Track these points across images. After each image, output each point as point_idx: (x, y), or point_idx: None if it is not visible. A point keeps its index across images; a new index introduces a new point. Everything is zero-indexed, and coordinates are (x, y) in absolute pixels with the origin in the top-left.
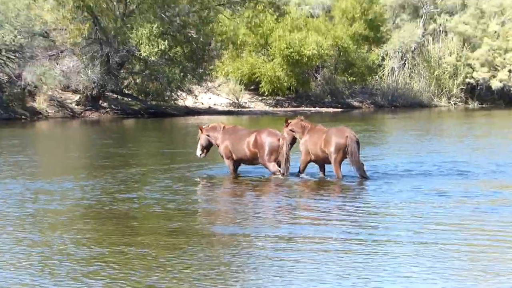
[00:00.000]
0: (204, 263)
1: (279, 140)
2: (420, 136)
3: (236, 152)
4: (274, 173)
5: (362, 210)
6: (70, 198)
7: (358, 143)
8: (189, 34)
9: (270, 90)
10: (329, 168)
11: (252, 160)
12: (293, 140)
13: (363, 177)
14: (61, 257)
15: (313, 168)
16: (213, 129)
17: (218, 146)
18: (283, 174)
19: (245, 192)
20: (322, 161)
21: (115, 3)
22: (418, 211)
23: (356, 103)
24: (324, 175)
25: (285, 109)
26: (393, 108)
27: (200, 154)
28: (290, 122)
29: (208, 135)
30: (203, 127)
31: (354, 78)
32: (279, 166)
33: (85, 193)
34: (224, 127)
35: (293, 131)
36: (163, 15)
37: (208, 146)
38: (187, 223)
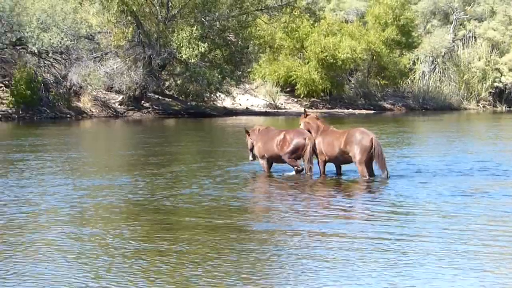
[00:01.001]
0: (241, 259)
1: (305, 139)
2: (452, 137)
3: (267, 151)
4: (296, 172)
5: (396, 207)
6: (119, 194)
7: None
8: (228, 38)
9: (306, 92)
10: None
11: (280, 158)
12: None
13: (387, 177)
14: (103, 251)
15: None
16: (253, 132)
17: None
18: (301, 171)
19: (283, 189)
20: (339, 162)
21: (157, 7)
22: (451, 210)
23: (388, 106)
24: (340, 174)
25: (320, 110)
26: (423, 110)
27: (250, 158)
28: (309, 115)
29: (251, 138)
30: (249, 130)
31: (386, 81)
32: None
33: (134, 189)
34: (259, 129)
35: (309, 125)
36: (203, 19)
37: (253, 149)
38: (228, 220)
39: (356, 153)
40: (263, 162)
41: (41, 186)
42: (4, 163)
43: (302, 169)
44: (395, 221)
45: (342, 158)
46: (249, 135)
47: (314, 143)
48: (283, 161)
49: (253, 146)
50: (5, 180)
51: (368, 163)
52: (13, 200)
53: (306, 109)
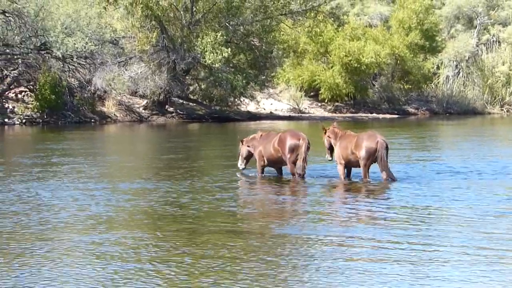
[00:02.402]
0: (260, 263)
1: (299, 140)
2: (479, 141)
3: (265, 154)
4: (292, 174)
5: (421, 211)
6: (150, 198)
7: (387, 148)
8: (252, 42)
9: (330, 97)
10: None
11: (278, 160)
12: (331, 146)
13: (392, 179)
14: (126, 256)
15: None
16: (252, 139)
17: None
18: (299, 175)
19: (305, 193)
20: (353, 165)
21: (182, 12)
22: (478, 213)
23: (412, 110)
24: (349, 178)
25: (344, 114)
26: (447, 114)
27: (241, 165)
28: (328, 129)
29: (248, 146)
30: (244, 139)
31: (410, 86)
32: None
33: (164, 193)
34: (261, 135)
35: (330, 137)
36: (227, 24)
37: (248, 157)
38: (251, 224)
39: (362, 156)
40: (259, 167)
41: (79, 189)
42: (42, 167)
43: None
44: (417, 225)
45: (355, 161)
46: (243, 143)
47: (309, 143)
48: (282, 164)
49: (248, 154)
50: (46, 183)
51: (370, 165)
52: (52, 203)
53: (324, 126)
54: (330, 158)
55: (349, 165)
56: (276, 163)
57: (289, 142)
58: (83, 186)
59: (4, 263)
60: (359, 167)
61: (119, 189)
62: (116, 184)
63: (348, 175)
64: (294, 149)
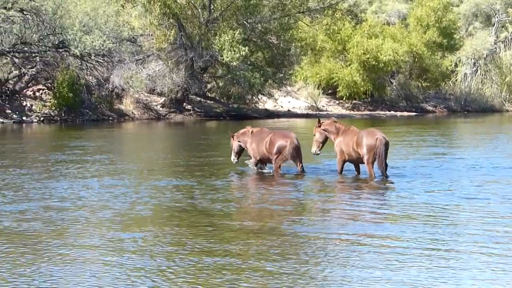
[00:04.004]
0: (279, 262)
1: (286, 141)
2: (502, 138)
3: (259, 152)
4: (276, 171)
5: (441, 208)
6: (171, 195)
7: (387, 145)
8: (270, 40)
9: (347, 94)
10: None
11: (270, 158)
12: (325, 139)
13: (385, 176)
14: (155, 251)
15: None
16: (243, 134)
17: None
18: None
19: (325, 191)
20: (355, 161)
21: (199, 10)
22: (495, 210)
23: (430, 108)
24: (359, 173)
25: (362, 112)
26: (465, 112)
27: (234, 159)
28: (323, 122)
29: (239, 141)
30: (234, 134)
31: (428, 83)
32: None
33: (186, 191)
34: (252, 131)
35: (326, 131)
36: (245, 22)
37: (240, 152)
38: (269, 223)
39: (364, 153)
40: (254, 161)
41: (103, 188)
42: (64, 164)
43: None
44: (439, 222)
45: (356, 158)
46: (233, 138)
47: (298, 143)
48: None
49: (239, 148)
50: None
51: (374, 162)
52: (78, 201)
53: (320, 118)
54: (319, 153)
55: (351, 161)
56: (269, 160)
57: (278, 143)
58: (123, 183)
59: (36, 258)
60: (361, 163)
61: (139, 187)
62: (139, 182)
63: (357, 170)
64: (281, 150)
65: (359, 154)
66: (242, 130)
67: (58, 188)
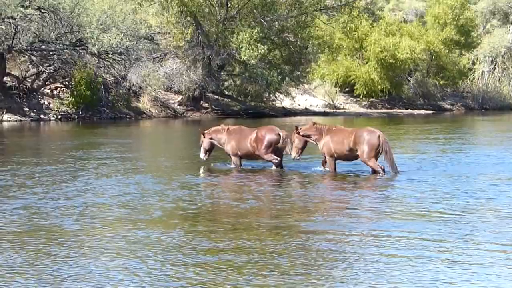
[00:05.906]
0: (294, 259)
1: (278, 135)
2: None
3: (240, 149)
4: (271, 161)
5: (458, 205)
6: (190, 193)
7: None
8: (287, 38)
9: (365, 92)
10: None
11: (254, 154)
12: (304, 144)
13: (396, 172)
14: (173, 250)
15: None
16: (216, 132)
17: (223, 146)
18: (279, 164)
19: (336, 188)
20: (343, 158)
21: (217, 8)
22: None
23: (447, 106)
24: (325, 167)
25: (379, 110)
26: (483, 110)
27: (204, 157)
28: (301, 128)
29: (211, 138)
30: (205, 131)
31: (446, 81)
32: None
33: (205, 189)
34: (228, 129)
35: (307, 136)
36: (262, 20)
37: (211, 149)
38: (282, 220)
39: (365, 150)
40: (236, 160)
41: (130, 185)
42: (88, 161)
43: (280, 162)
44: (454, 221)
45: (350, 155)
46: (204, 136)
47: (290, 139)
48: (256, 158)
49: (210, 146)
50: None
51: (377, 159)
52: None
53: (297, 126)
54: (298, 158)
55: (342, 159)
56: (251, 157)
57: (268, 138)
58: (158, 181)
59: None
60: (350, 160)
61: (159, 183)
62: (158, 178)
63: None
64: (272, 144)
65: (355, 152)
66: (214, 128)
67: (102, 185)
